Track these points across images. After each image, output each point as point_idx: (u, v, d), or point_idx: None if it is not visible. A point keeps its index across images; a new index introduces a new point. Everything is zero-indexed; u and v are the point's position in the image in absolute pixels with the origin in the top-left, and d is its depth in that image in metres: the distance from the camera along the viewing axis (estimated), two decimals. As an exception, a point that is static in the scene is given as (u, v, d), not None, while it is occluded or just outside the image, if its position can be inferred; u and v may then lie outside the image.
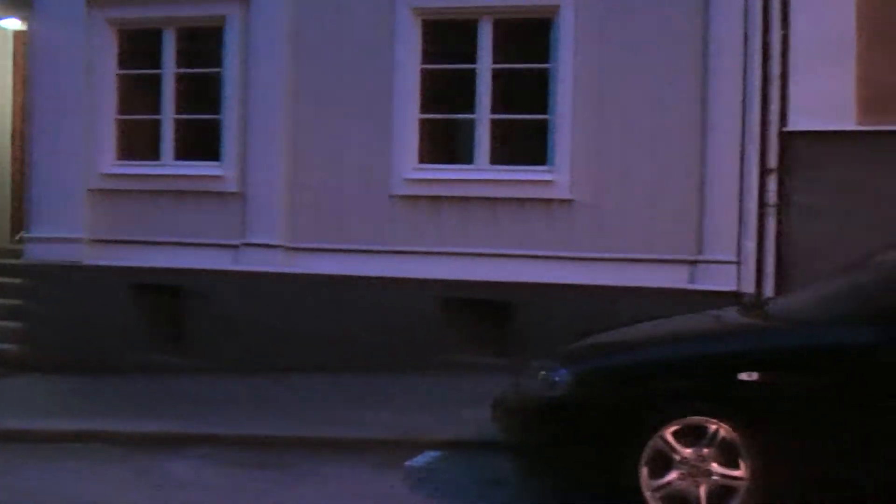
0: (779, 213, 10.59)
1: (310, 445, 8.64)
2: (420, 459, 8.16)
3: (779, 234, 10.58)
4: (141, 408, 10.07)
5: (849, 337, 6.19)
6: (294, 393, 10.71)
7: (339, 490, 7.47)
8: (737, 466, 6.12)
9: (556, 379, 6.41)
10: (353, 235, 11.63)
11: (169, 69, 12.40)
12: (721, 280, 10.51)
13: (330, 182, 11.72)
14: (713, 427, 6.10)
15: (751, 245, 10.56)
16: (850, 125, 10.56)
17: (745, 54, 10.71)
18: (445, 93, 11.68)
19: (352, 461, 8.18)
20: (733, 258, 10.59)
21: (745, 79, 10.69)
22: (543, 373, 6.55)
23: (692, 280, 10.65)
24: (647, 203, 10.79)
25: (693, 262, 10.68)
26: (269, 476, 7.89)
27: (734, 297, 10.21)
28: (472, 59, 11.41)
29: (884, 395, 6.12)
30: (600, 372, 6.48)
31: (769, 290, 10.41)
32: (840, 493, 6.28)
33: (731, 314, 7.29)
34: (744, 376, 6.12)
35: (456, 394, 10.00)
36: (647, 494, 6.12)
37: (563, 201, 11.06)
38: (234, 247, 12.00)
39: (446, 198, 11.41)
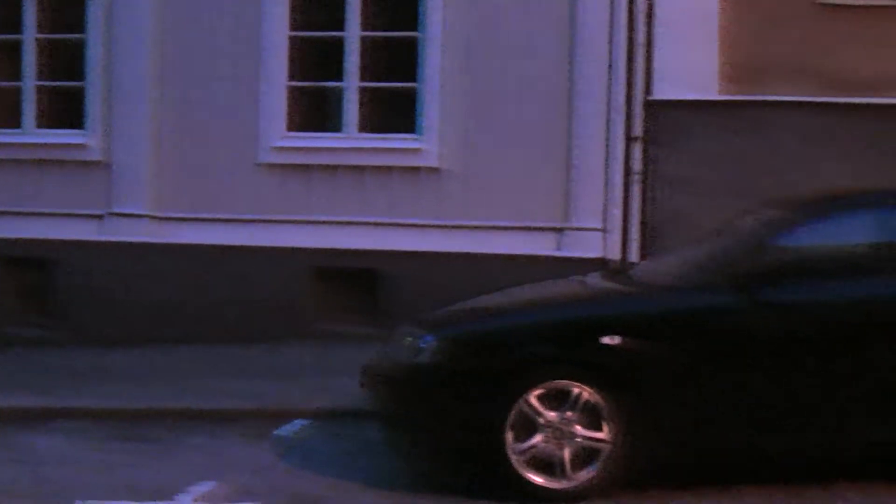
0: (644, 180, 10.78)
1: (179, 417, 8.53)
2: (289, 428, 8.12)
3: (644, 202, 10.77)
4: (5, 382, 9.81)
5: (708, 301, 6.32)
6: (163, 365, 10.53)
7: (208, 461, 7.39)
8: (600, 429, 6.19)
9: (422, 345, 6.42)
10: (222, 204, 11.48)
11: (30, 35, 12.03)
12: (588, 247, 10.66)
13: (197, 150, 11.54)
14: (576, 391, 6.16)
15: (616, 212, 10.73)
16: (714, 94, 10.78)
17: (611, 23, 10.83)
18: (314, 60, 11.58)
19: (221, 432, 8.11)
20: (599, 225, 10.75)
21: (610, 48, 10.82)
22: (409, 339, 6.56)
23: (559, 247, 10.77)
24: (514, 171, 10.86)
25: (560, 230, 10.81)
26: (137, 448, 7.78)
27: (601, 264, 10.36)
28: (341, 27, 11.33)
29: (742, 359, 6.26)
30: (465, 337, 6.50)
31: (634, 256, 10.60)
32: (702, 454, 6.40)
33: (595, 280, 7.37)
34: (606, 340, 6.19)
35: (326, 362, 9.97)
36: (513, 458, 6.16)
37: (431, 169, 11.08)
38: (100, 217, 11.76)
39: (315, 166, 11.33)
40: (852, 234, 6.72)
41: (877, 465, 6.49)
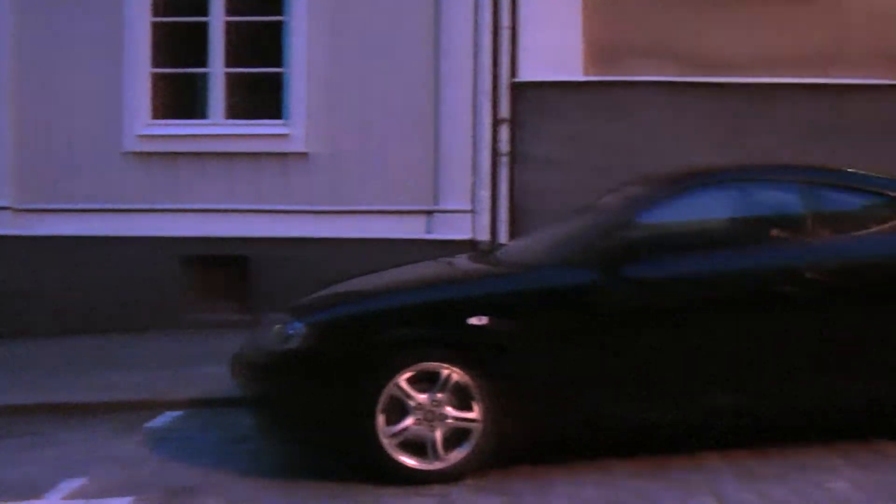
0: (511, 162, 10.90)
1: (48, 412, 8.34)
2: (160, 420, 8.03)
3: (512, 183, 10.90)
4: None
5: (573, 279, 6.41)
6: (32, 359, 10.30)
7: (79, 456, 7.24)
8: (471, 409, 6.24)
9: (291, 332, 6.39)
10: (87, 195, 11.29)
11: None
12: (457, 229, 10.77)
13: (60, 140, 11.31)
14: (446, 372, 6.20)
15: (485, 194, 10.83)
16: (579, 76, 10.94)
17: (476, 6, 10.93)
18: (179, 46, 11.43)
19: (92, 426, 7.96)
20: (468, 207, 10.86)
21: (475, 31, 10.91)
22: (278, 326, 6.52)
23: (430, 230, 10.86)
24: (383, 155, 10.92)
25: (430, 213, 10.89)
26: (5, 445, 7.59)
27: (471, 245, 10.49)
28: (205, 12, 11.20)
29: (607, 335, 6.38)
30: (333, 322, 6.49)
31: (504, 236, 10.74)
32: (571, 430, 6.50)
33: (463, 261, 7.42)
34: (473, 321, 6.23)
35: (198, 352, 9.88)
36: (385, 441, 6.18)
37: (298, 155, 11.05)
38: (-40, 210, 11.46)
39: (181, 154, 11.21)
40: (712, 209, 6.91)
41: (744, 435, 6.70)
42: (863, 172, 7.10)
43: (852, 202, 6.88)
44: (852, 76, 11.11)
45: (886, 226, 6.66)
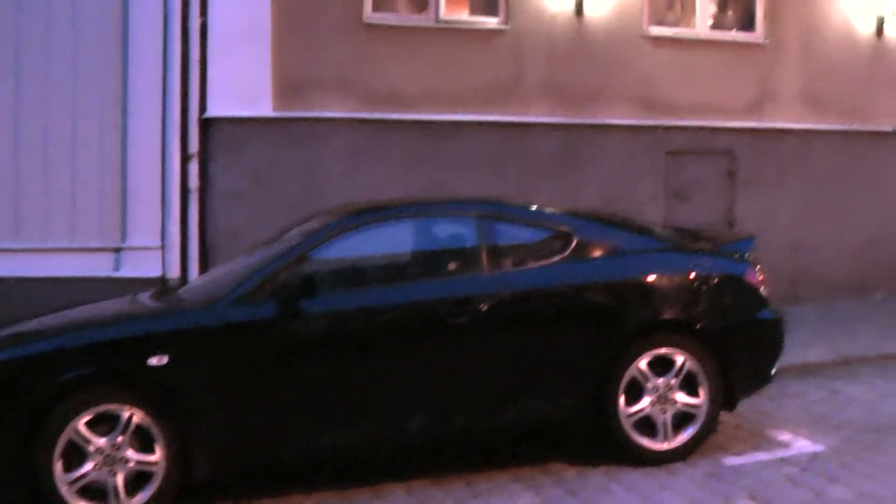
0: (201, 197, 10.80)
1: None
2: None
3: (202, 219, 10.80)
4: None
5: (250, 314, 6.41)
6: None
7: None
8: (153, 451, 6.16)
9: (-36, 376, 6.12)
10: None
11: None
12: (147, 266, 10.56)
13: None
14: (126, 413, 6.09)
15: (174, 230, 10.69)
16: (268, 111, 10.98)
17: (164, 39, 10.77)
18: None
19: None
20: (158, 244, 10.67)
21: (164, 64, 10.76)
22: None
23: (118, 267, 10.60)
24: (67, 192, 10.57)
25: (118, 250, 10.63)
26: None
27: (161, 283, 10.31)
28: None
29: (287, 369, 6.43)
30: (8, 364, 6.23)
31: (194, 273, 10.60)
32: (253, 464, 6.51)
33: (145, 298, 7.26)
34: (153, 361, 6.15)
35: None
36: (63, 489, 5.99)
37: (-19, 191, 10.57)
38: None
39: None
40: (388, 243, 7.09)
41: (429, 465, 6.93)
42: (534, 207, 7.48)
43: (524, 236, 7.21)
44: (528, 114, 11.68)
45: (556, 258, 7.00)
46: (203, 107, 10.85)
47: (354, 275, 7.05)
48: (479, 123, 11.52)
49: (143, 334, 6.38)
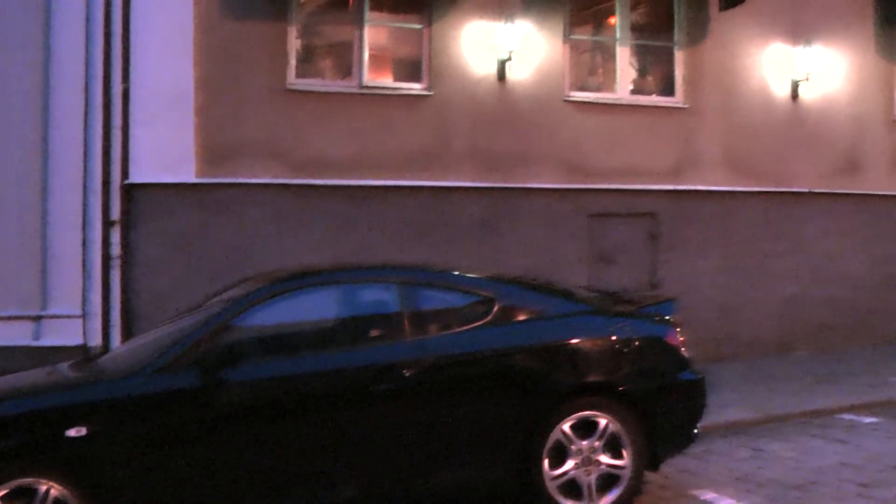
0: (124, 264, 10.70)
1: None
2: None
3: (124, 286, 10.69)
4: None
5: (171, 384, 6.34)
6: None
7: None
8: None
9: None
10: None
11: None
12: (67, 335, 10.43)
13: None
14: (44, 487, 5.95)
15: (96, 298, 10.57)
16: (191, 177, 10.93)
17: (87, 106, 10.72)
18: None
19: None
20: (79, 312, 10.56)
21: (86, 130, 10.70)
22: None
23: (37, 336, 10.46)
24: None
25: (37, 318, 10.49)
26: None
27: (83, 351, 10.19)
28: None
29: (210, 438, 6.35)
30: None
31: (116, 341, 10.48)
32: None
33: (63, 369, 7.13)
34: (72, 433, 6.05)
35: None
36: (-18, 564, 5.88)
37: None
38: None
39: None
40: (311, 310, 7.05)
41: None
42: (457, 273, 7.50)
43: (448, 300, 7.20)
44: (453, 178, 11.76)
45: (479, 323, 7.02)
46: (125, 173, 10.80)
47: (278, 342, 6.98)
48: (404, 188, 11.57)
49: (60, 406, 6.27)
